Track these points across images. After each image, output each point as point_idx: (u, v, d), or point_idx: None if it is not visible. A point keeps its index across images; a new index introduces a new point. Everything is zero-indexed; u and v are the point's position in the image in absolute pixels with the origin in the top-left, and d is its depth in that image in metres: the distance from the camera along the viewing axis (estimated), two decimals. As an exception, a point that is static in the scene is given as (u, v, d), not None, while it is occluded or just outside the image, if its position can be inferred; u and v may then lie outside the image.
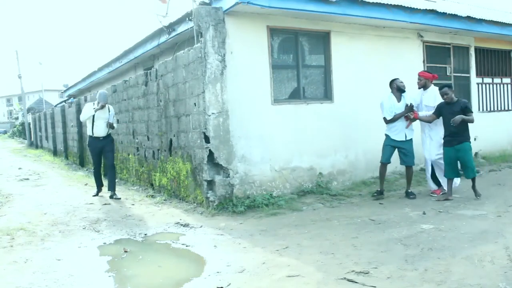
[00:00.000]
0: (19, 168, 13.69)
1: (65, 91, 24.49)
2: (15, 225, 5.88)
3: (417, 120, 6.73)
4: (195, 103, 6.53)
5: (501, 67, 10.94)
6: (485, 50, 10.42)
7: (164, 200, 7.36)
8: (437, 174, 6.87)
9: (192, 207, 6.61)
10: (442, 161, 6.64)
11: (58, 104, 27.79)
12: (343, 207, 6.34)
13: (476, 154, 9.97)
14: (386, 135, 6.81)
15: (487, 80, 10.62)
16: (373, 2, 7.19)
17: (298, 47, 7.32)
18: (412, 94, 6.87)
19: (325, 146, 7.39)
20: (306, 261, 4.10)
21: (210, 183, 6.38)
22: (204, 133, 6.30)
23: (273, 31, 6.97)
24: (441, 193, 6.73)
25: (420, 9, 7.92)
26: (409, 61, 8.76)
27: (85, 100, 13.14)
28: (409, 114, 6.58)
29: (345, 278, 3.62)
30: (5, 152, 23.14)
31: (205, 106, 6.24)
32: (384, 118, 6.75)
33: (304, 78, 7.41)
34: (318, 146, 7.31)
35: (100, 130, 7.70)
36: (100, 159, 8.03)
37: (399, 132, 6.69)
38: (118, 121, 9.49)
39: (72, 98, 20.86)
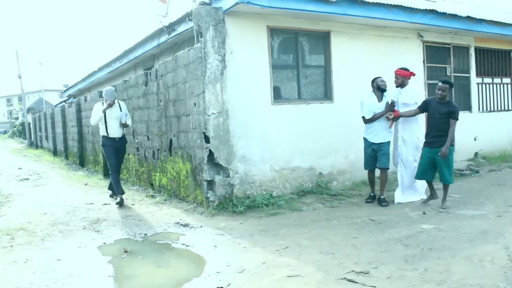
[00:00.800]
0: (19, 168, 13.69)
1: (65, 91, 24.50)
2: (15, 225, 5.89)
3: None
4: (195, 103, 6.53)
5: (501, 67, 10.94)
6: (485, 50, 10.42)
7: (164, 200, 7.36)
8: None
9: (192, 207, 6.61)
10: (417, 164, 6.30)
11: (58, 104, 27.80)
12: (343, 207, 6.34)
13: (476, 154, 9.99)
14: (364, 139, 6.50)
15: (487, 80, 10.62)
16: (373, 2, 7.19)
17: (298, 47, 7.33)
18: (391, 93, 6.51)
19: (325, 146, 7.39)
20: (306, 261, 4.10)
21: (210, 183, 6.38)
22: (204, 133, 6.30)
23: (273, 31, 6.97)
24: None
25: (420, 9, 7.92)
26: (409, 61, 8.73)
27: (85, 100, 13.15)
28: (387, 114, 6.23)
29: (345, 278, 3.62)
30: (5, 152, 23.14)
31: (205, 106, 6.24)
32: (363, 117, 6.44)
33: (304, 78, 7.41)
34: (318, 146, 7.31)
35: (115, 131, 7.15)
36: (117, 158, 7.32)
37: (376, 133, 6.36)
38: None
39: (72, 98, 20.87)
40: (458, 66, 9.85)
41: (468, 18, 8.79)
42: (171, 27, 7.92)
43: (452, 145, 5.90)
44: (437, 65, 9.37)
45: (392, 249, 4.32)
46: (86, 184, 9.71)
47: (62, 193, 8.55)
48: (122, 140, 7.34)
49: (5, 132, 55.05)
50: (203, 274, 3.91)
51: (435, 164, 5.95)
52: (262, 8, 6.24)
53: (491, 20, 9.34)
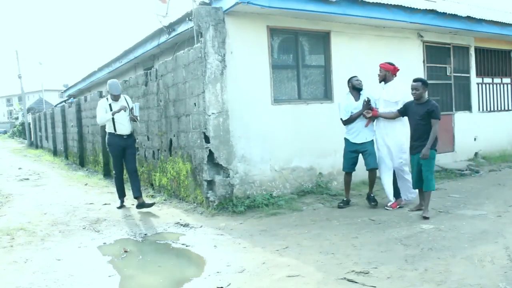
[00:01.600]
0: (19, 168, 13.69)
1: (65, 91, 24.50)
2: (15, 225, 5.88)
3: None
4: (195, 103, 6.53)
5: (501, 67, 10.93)
6: (485, 50, 10.42)
7: (164, 200, 7.35)
8: (398, 183, 6.13)
9: (192, 207, 6.61)
10: (406, 168, 6.04)
11: (58, 104, 27.80)
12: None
13: (476, 154, 9.99)
14: (345, 139, 6.25)
15: (487, 80, 10.62)
16: (373, 2, 7.19)
17: (298, 47, 7.33)
18: (374, 90, 6.25)
19: (325, 146, 7.39)
20: (306, 261, 4.10)
21: (210, 183, 6.38)
22: (204, 133, 6.30)
23: (273, 31, 6.97)
24: (397, 206, 6.02)
25: (420, 9, 7.92)
26: (409, 61, 8.75)
27: (85, 100, 13.14)
28: (365, 113, 5.97)
29: (345, 278, 3.62)
30: (5, 152, 23.13)
31: (205, 106, 6.24)
32: (341, 119, 6.23)
33: (304, 78, 7.41)
34: (318, 146, 7.31)
35: (124, 127, 6.57)
36: (122, 162, 6.75)
37: (358, 134, 6.10)
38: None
39: (72, 98, 20.87)
40: (458, 66, 9.85)
41: (468, 18, 8.79)
42: (171, 27, 7.92)
43: (434, 149, 5.48)
44: (437, 65, 9.37)
45: (392, 249, 4.32)
46: (86, 184, 9.71)
47: (62, 193, 8.55)
48: (131, 138, 6.75)
49: (5, 132, 55.05)
50: (203, 274, 3.91)
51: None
52: (262, 8, 6.24)
53: (491, 20, 9.34)
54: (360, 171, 7.81)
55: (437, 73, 9.40)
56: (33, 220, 6.18)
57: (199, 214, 6.23)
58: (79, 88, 18.54)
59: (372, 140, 6.15)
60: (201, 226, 5.55)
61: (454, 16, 8.56)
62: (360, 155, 6.22)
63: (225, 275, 3.84)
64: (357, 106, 6.11)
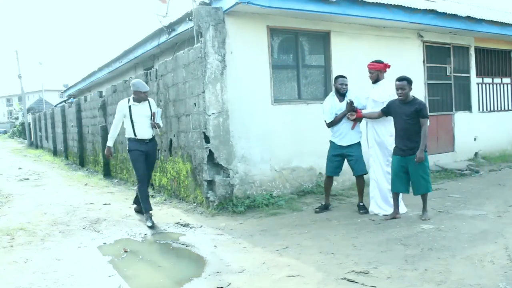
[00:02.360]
0: (19, 168, 13.69)
1: (65, 91, 24.51)
2: (15, 225, 5.89)
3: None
4: (195, 103, 6.53)
5: (501, 67, 10.94)
6: (485, 50, 10.43)
7: (164, 200, 7.35)
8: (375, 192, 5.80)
9: (192, 207, 6.61)
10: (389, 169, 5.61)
11: (58, 104, 27.81)
12: (343, 207, 6.33)
13: (476, 154, 9.99)
14: (330, 142, 6.00)
15: (487, 80, 10.62)
16: (373, 2, 7.19)
17: (298, 47, 7.33)
18: (363, 90, 6.05)
19: (325, 146, 7.33)
20: (306, 261, 4.10)
21: (210, 183, 6.38)
22: (204, 133, 6.30)
23: (273, 31, 6.97)
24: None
25: (420, 9, 7.92)
26: (409, 61, 8.76)
27: (85, 100, 13.14)
28: (348, 115, 5.72)
29: (345, 278, 3.62)
30: (5, 152, 23.13)
31: (205, 106, 6.24)
32: (325, 122, 5.98)
33: (304, 78, 7.41)
34: (318, 146, 7.27)
35: (144, 131, 5.85)
36: (146, 168, 5.95)
37: (343, 136, 5.82)
38: None
39: (72, 98, 20.87)
40: (458, 66, 9.85)
41: (468, 18, 8.79)
42: (171, 27, 7.92)
43: (426, 151, 5.26)
44: (437, 65, 9.37)
45: (392, 249, 4.32)
46: (86, 184, 9.71)
47: (62, 193, 8.55)
48: (152, 142, 6.00)
49: (5, 132, 55.05)
50: (203, 274, 3.91)
51: (408, 174, 5.31)
52: (262, 8, 6.24)
53: (491, 20, 9.34)
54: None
55: (437, 73, 9.40)
56: (33, 220, 6.18)
57: (199, 214, 6.23)
58: (79, 88, 18.54)
59: (359, 142, 5.87)
60: (201, 226, 5.55)
61: (454, 16, 8.56)
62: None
63: (225, 275, 3.84)
64: (342, 107, 5.83)
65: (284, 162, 6.99)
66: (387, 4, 7.44)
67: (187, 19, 7.05)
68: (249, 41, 6.67)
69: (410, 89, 5.26)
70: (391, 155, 5.53)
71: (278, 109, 6.98)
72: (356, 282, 3.52)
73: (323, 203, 6.14)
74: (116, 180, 10.19)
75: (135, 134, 5.84)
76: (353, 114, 5.70)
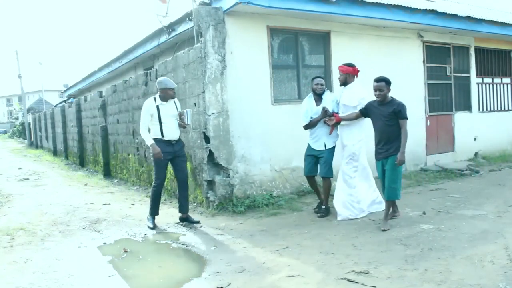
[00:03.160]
0: (19, 168, 13.70)
1: (65, 91, 24.51)
2: (15, 225, 5.89)
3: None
4: (195, 103, 6.53)
5: (501, 67, 10.94)
6: (485, 50, 10.43)
7: (164, 200, 7.34)
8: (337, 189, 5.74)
9: (192, 207, 6.61)
10: (354, 180, 5.57)
11: (58, 104, 27.82)
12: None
13: (476, 154, 10.00)
14: (308, 144, 5.95)
15: (487, 80, 10.63)
16: (373, 2, 7.19)
17: (298, 47, 7.33)
18: (336, 94, 5.99)
19: (325, 146, 7.37)
20: (306, 261, 4.10)
21: (210, 183, 6.38)
22: (204, 133, 6.30)
23: (273, 31, 6.97)
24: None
25: (420, 9, 7.92)
26: (409, 61, 8.77)
27: (85, 100, 13.15)
28: (327, 121, 5.62)
29: (345, 278, 3.62)
30: (5, 152, 23.14)
31: (205, 106, 6.24)
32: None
33: (304, 78, 7.41)
34: (318, 146, 7.29)
35: (172, 131, 5.58)
36: (166, 171, 5.79)
37: (318, 140, 5.78)
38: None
39: (72, 98, 20.87)
40: (458, 66, 9.85)
41: (468, 18, 8.79)
42: (171, 27, 7.92)
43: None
44: (437, 65, 9.37)
45: (392, 249, 4.32)
46: (86, 184, 9.71)
47: (62, 193, 8.56)
48: (179, 143, 5.72)
49: (5, 132, 55.06)
50: (203, 274, 3.91)
51: None
52: (262, 8, 6.24)
53: (491, 20, 9.34)
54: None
55: (437, 73, 9.41)
56: (33, 220, 6.18)
57: (199, 214, 6.23)
58: (79, 88, 18.54)
59: (332, 148, 5.78)
60: (201, 226, 5.55)
61: (454, 16, 8.56)
62: None
63: (225, 275, 3.84)
64: (318, 111, 5.74)
65: (284, 162, 6.99)
66: (387, 4, 7.44)
67: (187, 19, 7.05)
68: (249, 41, 6.67)
69: (389, 90, 5.10)
70: (358, 160, 5.51)
71: (278, 109, 6.98)
72: (356, 282, 3.52)
73: (319, 203, 6.02)
74: (116, 180, 10.19)
75: (162, 135, 5.53)
76: (332, 119, 5.60)
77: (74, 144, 14.88)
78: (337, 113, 5.70)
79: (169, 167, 5.87)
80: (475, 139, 10.08)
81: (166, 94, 5.54)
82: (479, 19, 9.05)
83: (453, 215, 5.55)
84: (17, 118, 52.38)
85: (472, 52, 10.05)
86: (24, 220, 6.21)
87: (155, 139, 5.52)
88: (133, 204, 7.18)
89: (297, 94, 7.33)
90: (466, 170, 8.73)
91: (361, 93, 5.49)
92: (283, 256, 4.27)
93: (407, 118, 5.03)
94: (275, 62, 7.04)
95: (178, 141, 5.69)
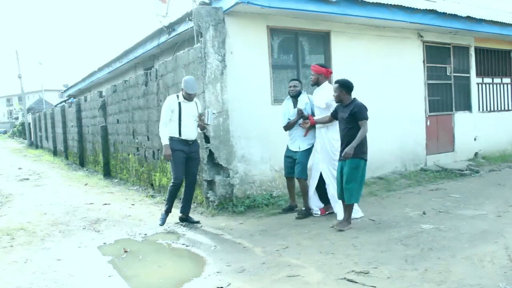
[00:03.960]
0: (19, 168, 13.70)
1: (65, 91, 24.53)
2: (15, 225, 5.89)
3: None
4: (195, 103, 6.52)
5: (501, 67, 10.94)
6: (485, 50, 10.43)
7: (164, 200, 7.33)
8: (327, 189, 5.73)
9: (192, 207, 6.57)
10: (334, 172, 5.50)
11: (58, 104, 27.83)
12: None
13: (476, 154, 10.00)
14: (287, 145, 6.05)
15: (487, 80, 10.63)
16: (373, 2, 7.19)
17: (298, 47, 7.33)
18: (310, 96, 5.94)
19: (325, 146, 7.37)
20: (306, 261, 4.10)
21: (210, 183, 6.38)
22: (204, 133, 6.30)
23: (273, 31, 6.98)
24: (327, 212, 5.77)
25: (420, 9, 7.92)
26: (409, 61, 8.77)
27: (85, 100, 13.15)
28: (302, 124, 5.64)
29: (345, 278, 3.62)
30: (5, 152, 23.14)
31: (205, 106, 6.24)
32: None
33: (304, 78, 7.40)
34: (318, 146, 7.30)
35: (190, 131, 5.55)
36: (184, 169, 5.60)
37: (294, 141, 5.87)
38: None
39: (72, 98, 20.87)
40: (458, 66, 9.85)
41: (468, 18, 8.79)
42: (171, 27, 7.93)
43: (364, 159, 4.99)
44: (437, 65, 9.37)
45: (392, 249, 4.32)
46: (86, 184, 9.71)
47: (62, 193, 8.56)
48: (196, 143, 5.70)
49: (5, 132, 55.03)
50: (203, 274, 3.91)
51: None
52: (262, 8, 6.25)
53: (491, 20, 9.34)
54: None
55: (437, 73, 9.41)
56: (33, 220, 6.18)
57: (199, 214, 6.23)
58: (79, 88, 18.55)
59: (306, 150, 5.80)
60: (201, 226, 5.55)
61: (454, 16, 8.56)
62: None
63: (225, 275, 3.84)
64: (294, 113, 5.80)
65: (284, 162, 6.98)
66: (387, 4, 7.44)
67: (187, 19, 7.04)
68: (249, 41, 6.67)
69: (344, 92, 5.02)
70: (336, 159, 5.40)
71: (278, 109, 6.97)
72: (356, 282, 3.52)
73: (304, 207, 5.88)
74: (116, 180, 10.19)
75: (180, 134, 5.49)
76: (307, 122, 5.61)
77: (74, 144, 14.88)
78: (313, 115, 5.72)
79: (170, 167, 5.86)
80: (475, 139, 10.08)
81: (185, 95, 5.50)
82: (479, 19, 9.05)
83: (453, 215, 5.55)
84: (17, 118, 52.43)
85: (472, 52, 10.05)
86: (24, 220, 6.21)
87: (171, 138, 5.47)
88: (133, 204, 7.18)
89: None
90: (466, 170, 8.73)
91: (330, 95, 5.39)
92: (283, 256, 4.27)
93: (366, 119, 4.93)
94: (275, 62, 7.04)
95: (195, 141, 5.66)
